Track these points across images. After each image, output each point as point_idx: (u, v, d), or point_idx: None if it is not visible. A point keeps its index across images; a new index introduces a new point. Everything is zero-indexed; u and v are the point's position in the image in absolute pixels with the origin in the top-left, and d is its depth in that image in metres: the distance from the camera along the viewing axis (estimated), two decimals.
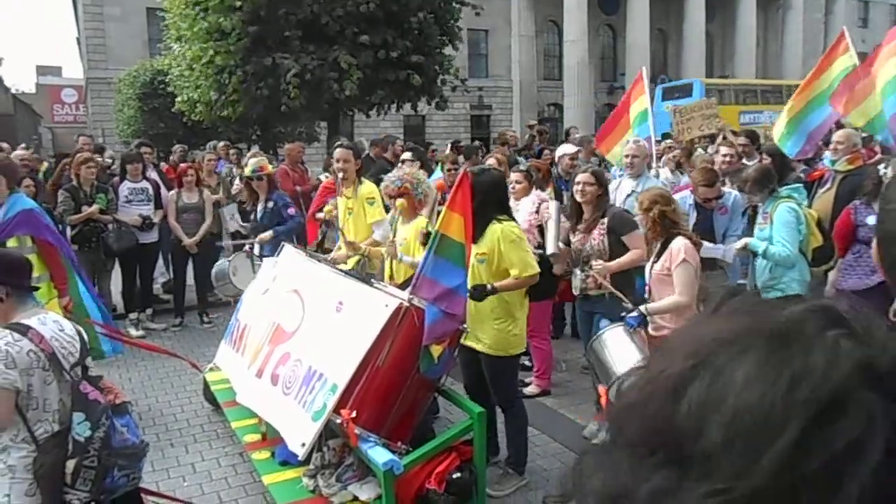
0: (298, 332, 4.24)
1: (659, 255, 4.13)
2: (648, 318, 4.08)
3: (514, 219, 4.28)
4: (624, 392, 0.56)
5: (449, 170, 7.20)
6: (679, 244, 4.00)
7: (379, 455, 3.37)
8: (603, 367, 3.97)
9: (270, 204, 6.62)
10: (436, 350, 3.59)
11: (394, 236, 4.81)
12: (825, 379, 0.46)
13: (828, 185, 5.92)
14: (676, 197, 5.43)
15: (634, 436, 0.52)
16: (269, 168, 6.77)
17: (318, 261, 5.03)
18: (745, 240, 4.85)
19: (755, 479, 0.45)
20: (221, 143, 11.21)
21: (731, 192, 5.42)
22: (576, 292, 4.84)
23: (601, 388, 4.00)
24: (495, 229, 4.01)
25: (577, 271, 4.73)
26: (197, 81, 13.94)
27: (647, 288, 4.32)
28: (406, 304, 3.61)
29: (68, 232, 7.14)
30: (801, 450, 0.44)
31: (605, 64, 36.68)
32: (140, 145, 8.89)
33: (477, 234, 3.98)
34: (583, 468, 0.55)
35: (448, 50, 14.84)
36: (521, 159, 8.75)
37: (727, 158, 6.45)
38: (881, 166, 4.99)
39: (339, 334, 3.86)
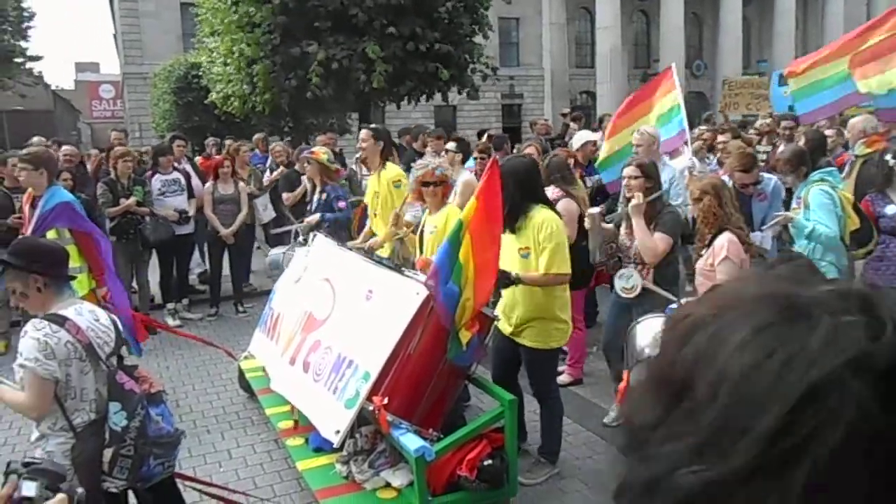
0: (329, 319, 4.27)
1: (707, 248, 4.03)
2: None
3: (551, 204, 4.19)
4: (662, 332, 0.59)
5: (477, 159, 7.18)
6: (723, 240, 3.89)
7: (410, 442, 3.39)
8: (631, 352, 3.93)
9: (324, 195, 6.67)
10: (464, 336, 3.58)
11: (422, 230, 4.80)
12: (815, 364, 0.45)
13: (847, 170, 5.83)
14: None
15: (650, 371, 0.55)
16: (321, 155, 6.72)
17: (350, 249, 5.06)
18: (788, 214, 4.70)
19: (727, 449, 0.45)
20: (258, 136, 11.33)
21: (770, 177, 5.29)
22: (624, 293, 4.57)
23: (625, 373, 3.95)
24: (534, 220, 3.93)
25: (632, 270, 4.54)
26: (229, 75, 14.10)
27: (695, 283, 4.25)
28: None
29: (107, 224, 7.30)
30: (777, 433, 0.44)
31: (639, 50, 36.16)
32: (174, 139, 9.03)
33: (515, 225, 3.95)
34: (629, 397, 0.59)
35: (478, 39, 14.75)
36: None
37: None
38: (888, 156, 4.84)
39: (369, 322, 3.88)
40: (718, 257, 3.88)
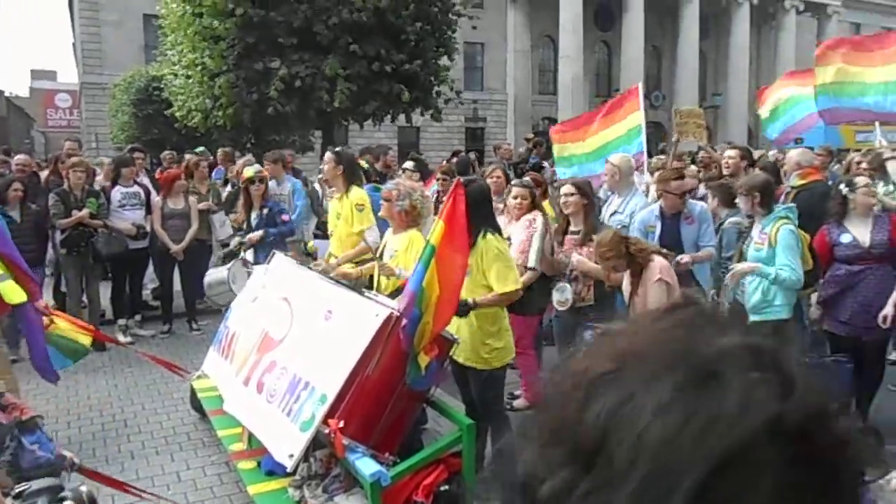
0: (286, 340, 4.20)
1: (637, 281, 4.09)
2: None
3: (499, 231, 4.27)
4: (549, 377, 0.57)
5: (440, 180, 7.22)
6: (656, 264, 3.99)
7: (366, 466, 3.34)
8: None
9: (265, 211, 6.69)
10: (423, 360, 3.55)
11: (382, 250, 4.77)
12: (733, 428, 0.46)
13: (782, 201, 6.03)
14: (645, 211, 5.42)
15: (545, 427, 0.53)
16: (248, 174, 6.81)
17: (309, 268, 5.00)
18: (752, 265, 4.61)
19: None
20: (222, 150, 11.13)
21: (695, 203, 5.42)
22: (558, 306, 4.74)
23: None
24: (480, 244, 4.00)
25: (566, 284, 4.67)
26: (192, 89, 13.94)
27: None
28: (396, 313, 3.58)
29: (58, 236, 7.10)
30: (697, 498, 0.44)
31: (600, 80, 36.89)
32: (132, 150, 8.85)
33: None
34: (503, 451, 0.56)
35: (443, 61, 14.88)
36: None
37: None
38: (842, 186, 5.02)
39: (327, 343, 3.82)
40: (652, 279, 3.94)
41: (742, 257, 5.01)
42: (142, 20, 27.71)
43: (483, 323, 4.05)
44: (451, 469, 3.71)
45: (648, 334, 0.54)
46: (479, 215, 4.04)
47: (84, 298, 7.40)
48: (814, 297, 5.17)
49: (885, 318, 4.65)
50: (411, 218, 4.66)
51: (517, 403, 5.61)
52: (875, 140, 8.14)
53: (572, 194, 4.66)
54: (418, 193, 4.78)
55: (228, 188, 9.02)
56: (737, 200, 5.13)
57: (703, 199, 6.08)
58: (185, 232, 7.66)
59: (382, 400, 3.58)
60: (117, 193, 7.51)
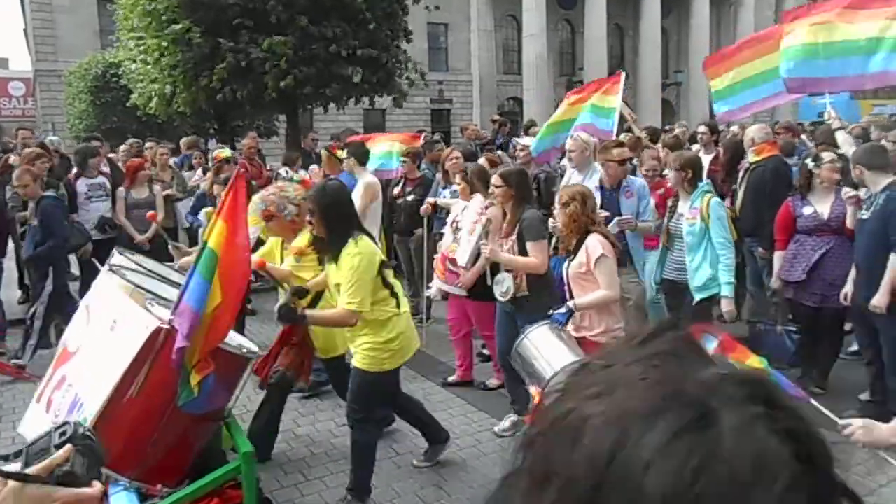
0: (78, 353, 3.71)
1: (575, 253, 4.08)
2: (576, 314, 4.03)
3: (366, 232, 3.82)
4: (538, 416, 0.56)
5: (404, 161, 7.22)
6: (594, 240, 3.97)
7: (122, 502, 2.99)
8: (533, 368, 3.76)
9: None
10: (195, 379, 3.12)
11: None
12: (736, 473, 0.45)
13: (741, 176, 6.16)
14: (586, 182, 5.48)
15: (535, 467, 0.52)
16: (222, 154, 6.71)
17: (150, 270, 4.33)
18: (725, 290, 4.73)
19: None
20: (186, 139, 10.92)
21: (634, 178, 5.53)
22: (500, 297, 4.62)
23: (534, 390, 3.82)
24: (344, 253, 3.58)
25: (506, 275, 4.55)
26: (151, 75, 13.64)
27: (566, 287, 4.20)
28: (167, 326, 3.11)
29: (17, 229, 6.94)
30: None
31: (564, 58, 36.95)
32: (89, 139, 8.65)
33: (334, 257, 3.66)
34: (500, 486, 0.55)
35: (404, 45, 14.74)
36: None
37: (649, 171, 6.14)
38: (808, 160, 5.20)
39: (104, 358, 3.38)
40: (595, 255, 3.94)
41: (669, 235, 5.15)
42: (96, 4, 26.97)
43: (363, 324, 3.71)
44: (229, 502, 3.42)
45: (632, 370, 0.52)
46: (341, 221, 3.66)
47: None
48: (776, 267, 5.32)
49: (845, 295, 4.81)
50: (302, 220, 4.31)
51: (489, 382, 5.62)
52: (887, 113, 8.23)
53: (499, 186, 4.53)
54: (292, 191, 4.43)
55: (199, 173, 8.88)
56: (665, 173, 5.21)
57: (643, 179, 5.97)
58: (149, 221, 7.50)
59: (148, 424, 3.18)
60: (83, 185, 7.34)
